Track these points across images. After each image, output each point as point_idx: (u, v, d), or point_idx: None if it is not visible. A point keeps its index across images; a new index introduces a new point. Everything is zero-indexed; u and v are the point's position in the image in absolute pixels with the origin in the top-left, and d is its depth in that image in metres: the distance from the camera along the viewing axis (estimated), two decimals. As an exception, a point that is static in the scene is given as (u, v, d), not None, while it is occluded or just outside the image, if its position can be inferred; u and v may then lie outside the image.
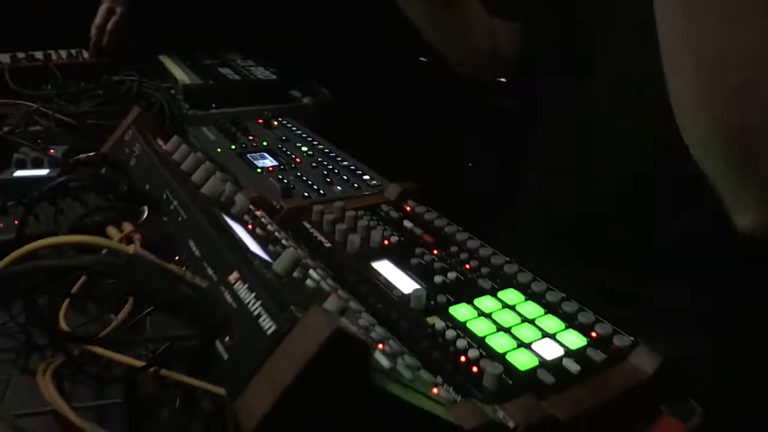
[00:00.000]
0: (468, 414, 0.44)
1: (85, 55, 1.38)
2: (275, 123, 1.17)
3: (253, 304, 0.37)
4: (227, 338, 0.37)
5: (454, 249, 0.75)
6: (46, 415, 0.51)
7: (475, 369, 0.55)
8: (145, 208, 0.47)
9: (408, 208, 0.86)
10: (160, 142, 0.63)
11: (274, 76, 1.32)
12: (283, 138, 1.10)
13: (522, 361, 0.57)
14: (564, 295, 0.66)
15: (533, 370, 0.55)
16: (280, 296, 0.38)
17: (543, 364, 0.56)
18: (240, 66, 1.39)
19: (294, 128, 1.15)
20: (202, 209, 0.47)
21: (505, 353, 0.57)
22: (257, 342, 0.35)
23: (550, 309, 0.64)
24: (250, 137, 1.09)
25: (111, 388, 0.55)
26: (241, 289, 0.38)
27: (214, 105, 1.21)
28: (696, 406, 0.58)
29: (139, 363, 0.53)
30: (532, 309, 0.64)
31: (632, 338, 0.60)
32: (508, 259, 0.73)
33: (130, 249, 0.39)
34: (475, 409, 0.45)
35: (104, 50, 1.35)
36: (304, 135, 1.12)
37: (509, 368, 0.55)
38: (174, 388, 0.54)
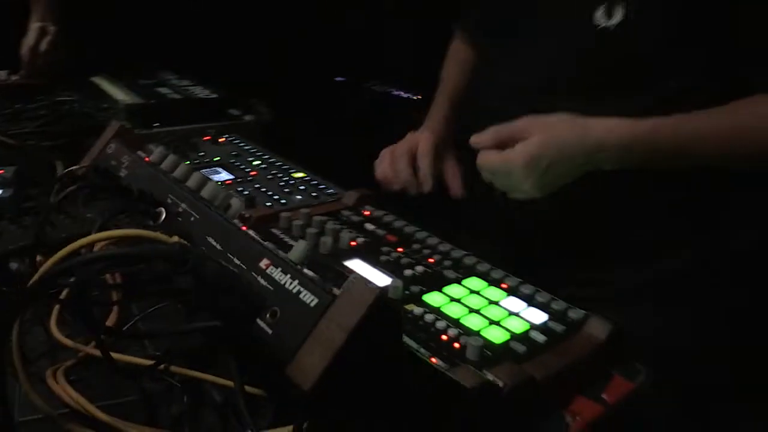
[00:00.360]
0: (467, 375, 0.51)
1: (16, 76, 1.35)
2: (222, 140, 1.20)
3: (290, 283, 0.42)
4: (268, 315, 0.41)
5: (416, 246, 0.82)
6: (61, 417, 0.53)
7: (457, 345, 0.62)
8: (162, 209, 0.50)
9: (367, 213, 0.92)
10: (142, 155, 0.66)
11: (214, 95, 1.35)
12: (234, 153, 1.13)
13: (495, 335, 0.64)
14: (520, 280, 0.74)
15: (507, 343, 0.63)
16: (310, 276, 0.43)
17: (514, 337, 0.64)
18: (177, 86, 1.40)
19: (242, 144, 1.18)
20: (213, 209, 0.51)
21: (479, 330, 0.64)
22: (301, 314, 0.40)
23: (511, 292, 0.72)
24: (201, 153, 1.11)
25: (117, 387, 0.58)
26: (275, 273, 0.43)
27: (157, 124, 1.22)
28: (641, 367, 0.68)
29: (147, 362, 0.56)
30: (495, 293, 0.72)
31: (584, 311, 0.69)
32: (466, 252, 0.81)
33: (175, 239, 0.42)
34: (472, 372, 0.51)
35: (37, 71, 1.32)
36: (253, 150, 1.15)
37: (486, 342, 0.62)
38: (181, 385, 0.57)
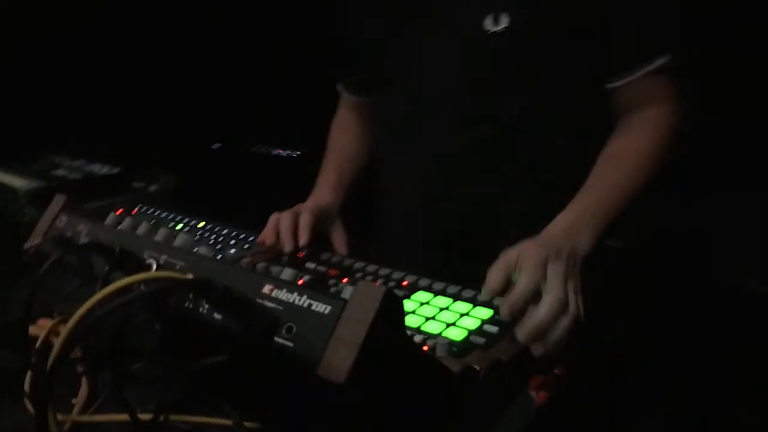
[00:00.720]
0: (453, 363, 0.57)
1: None
2: (134, 212, 1.20)
3: (299, 299, 0.47)
4: (284, 331, 0.46)
5: (358, 275, 0.88)
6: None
7: (425, 347, 0.68)
8: (153, 261, 0.52)
9: (301, 254, 0.97)
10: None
11: (116, 170, 1.34)
12: (153, 222, 1.13)
13: (456, 334, 0.71)
14: (460, 286, 0.82)
15: (467, 338, 0.70)
16: (313, 289, 0.48)
17: (471, 332, 0.71)
18: (72, 166, 1.38)
19: (156, 212, 1.19)
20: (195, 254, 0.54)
21: (440, 333, 0.71)
22: (318, 323, 0.45)
23: (455, 298, 0.80)
24: (119, 226, 1.11)
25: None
26: (281, 294, 0.48)
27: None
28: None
29: (146, 416, 0.57)
30: (442, 301, 0.80)
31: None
32: (404, 273, 0.88)
33: (189, 275, 0.45)
34: (454, 360, 0.58)
35: None
36: (170, 215, 1.17)
37: (450, 341, 0.69)
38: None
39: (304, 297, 0.47)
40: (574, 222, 0.84)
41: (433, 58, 1.01)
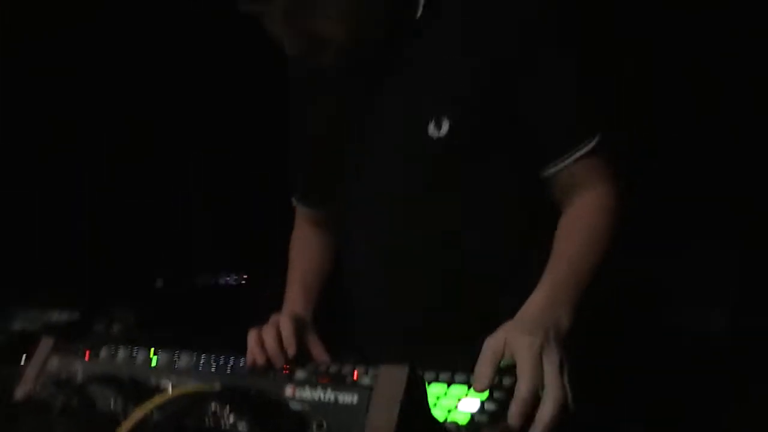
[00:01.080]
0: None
1: None
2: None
3: (324, 394, 0.48)
4: (315, 428, 0.47)
5: (349, 379, 0.89)
6: None
7: None
8: (169, 383, 0.52)
9: (287, 369, 0.97)
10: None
11: (76, 316, 1.32)
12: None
13: (460, 418, 0.72)
14: (451, 371, 0.84)
15: (472, 419, 0.72)
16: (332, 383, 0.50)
17: (474, 414, 0.73)
18: (29, 316, 1.34)
19: (126, 349, 1.16)
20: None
21: (446, 419, 0.73)
22: (348, 413, 0.46)
23: (449, 383, 0.82)
24: (90, 368, 1.08)
25: None
26: (305, 393, 0.49)
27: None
28: None
29: None
30: (437, 389, 0.81)
31: (513, 376, 0.80)
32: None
33: (217, 386, 0.46)
34: (472, 436, 0.60)
35: None
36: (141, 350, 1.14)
37: (457, 425, 0.70)
38: None
39: (328, 391, 0.48)
40: (550, 299, 0.87)
41: (380, 166, 1.06)
